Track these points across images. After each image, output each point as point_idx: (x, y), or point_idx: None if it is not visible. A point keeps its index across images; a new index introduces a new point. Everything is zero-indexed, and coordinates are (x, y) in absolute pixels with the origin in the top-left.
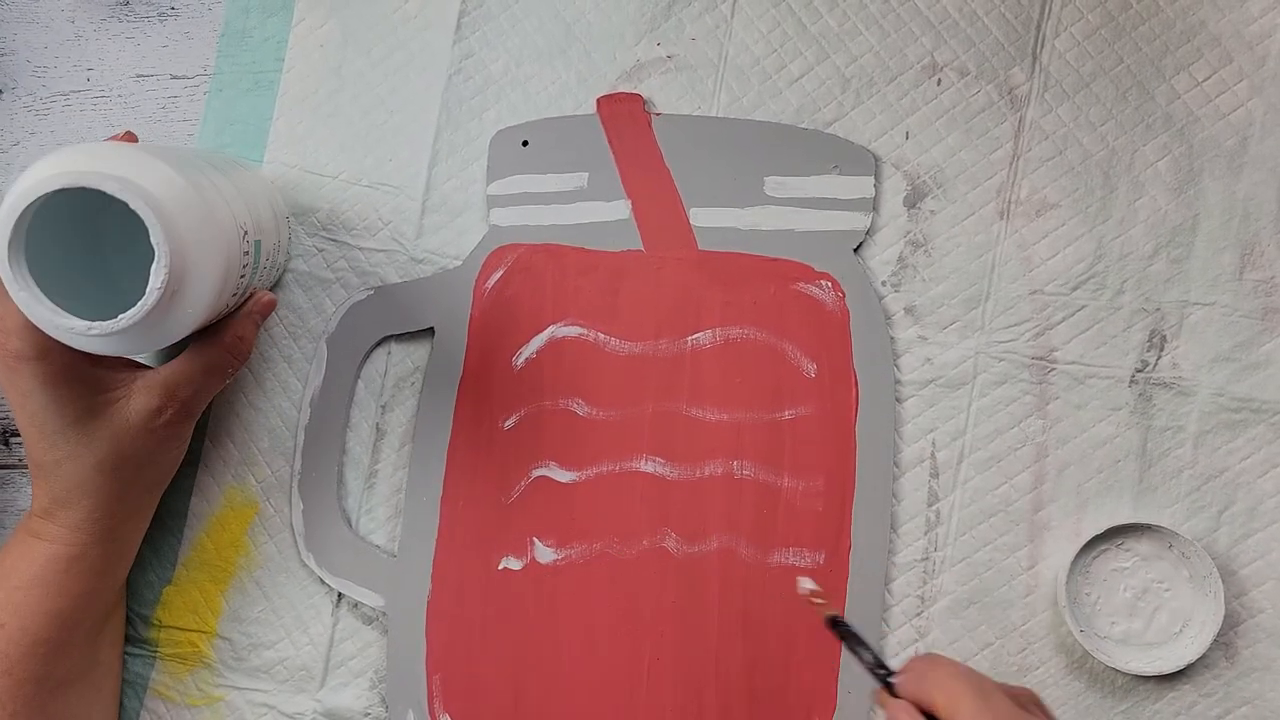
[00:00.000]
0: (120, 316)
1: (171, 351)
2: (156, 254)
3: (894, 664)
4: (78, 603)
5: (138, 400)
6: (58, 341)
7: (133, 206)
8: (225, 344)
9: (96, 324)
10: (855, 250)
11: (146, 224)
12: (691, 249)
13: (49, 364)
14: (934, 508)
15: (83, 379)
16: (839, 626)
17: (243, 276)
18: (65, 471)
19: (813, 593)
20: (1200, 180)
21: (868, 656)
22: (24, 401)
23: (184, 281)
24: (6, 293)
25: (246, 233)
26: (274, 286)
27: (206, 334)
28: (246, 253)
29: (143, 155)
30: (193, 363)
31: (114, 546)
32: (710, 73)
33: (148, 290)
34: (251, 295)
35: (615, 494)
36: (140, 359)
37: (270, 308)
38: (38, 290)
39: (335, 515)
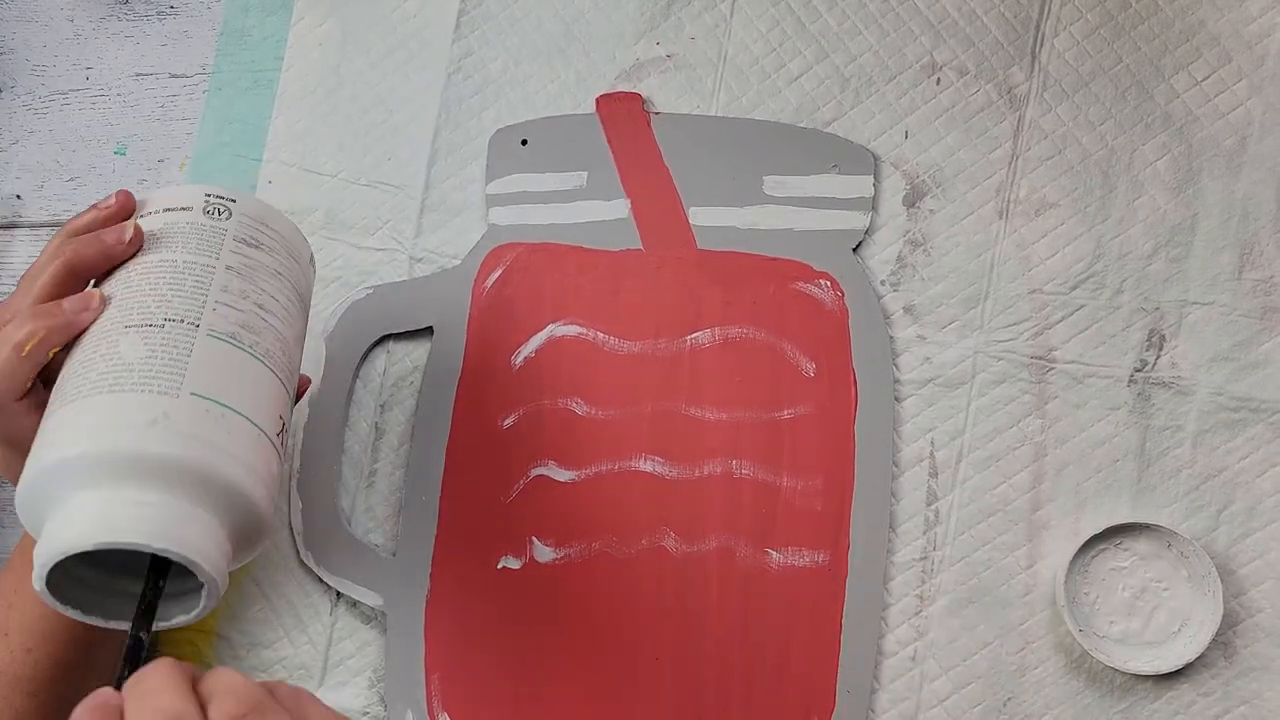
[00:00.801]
0: (177, 619)
1: None
2: (206, 591)
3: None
4: (104, 630)
5: None
6: None
7: (203, 581)
8: None
9: (160, 623)
10: (854, 249)
11: (205, 589)
12: (691, 248)
13: None
14: (933, 507)
15: None
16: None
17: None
18: None
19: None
20: (1199, 180)
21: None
22: None
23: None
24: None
25: (284, 428)
26: None
27: None
28: (282, 439)
29: (225, 492)
30: None
31: None
32: (709, 72)
33: (198, 611)
34: None
35: (614, 493)
36: None
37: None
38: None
39: (334, 514)
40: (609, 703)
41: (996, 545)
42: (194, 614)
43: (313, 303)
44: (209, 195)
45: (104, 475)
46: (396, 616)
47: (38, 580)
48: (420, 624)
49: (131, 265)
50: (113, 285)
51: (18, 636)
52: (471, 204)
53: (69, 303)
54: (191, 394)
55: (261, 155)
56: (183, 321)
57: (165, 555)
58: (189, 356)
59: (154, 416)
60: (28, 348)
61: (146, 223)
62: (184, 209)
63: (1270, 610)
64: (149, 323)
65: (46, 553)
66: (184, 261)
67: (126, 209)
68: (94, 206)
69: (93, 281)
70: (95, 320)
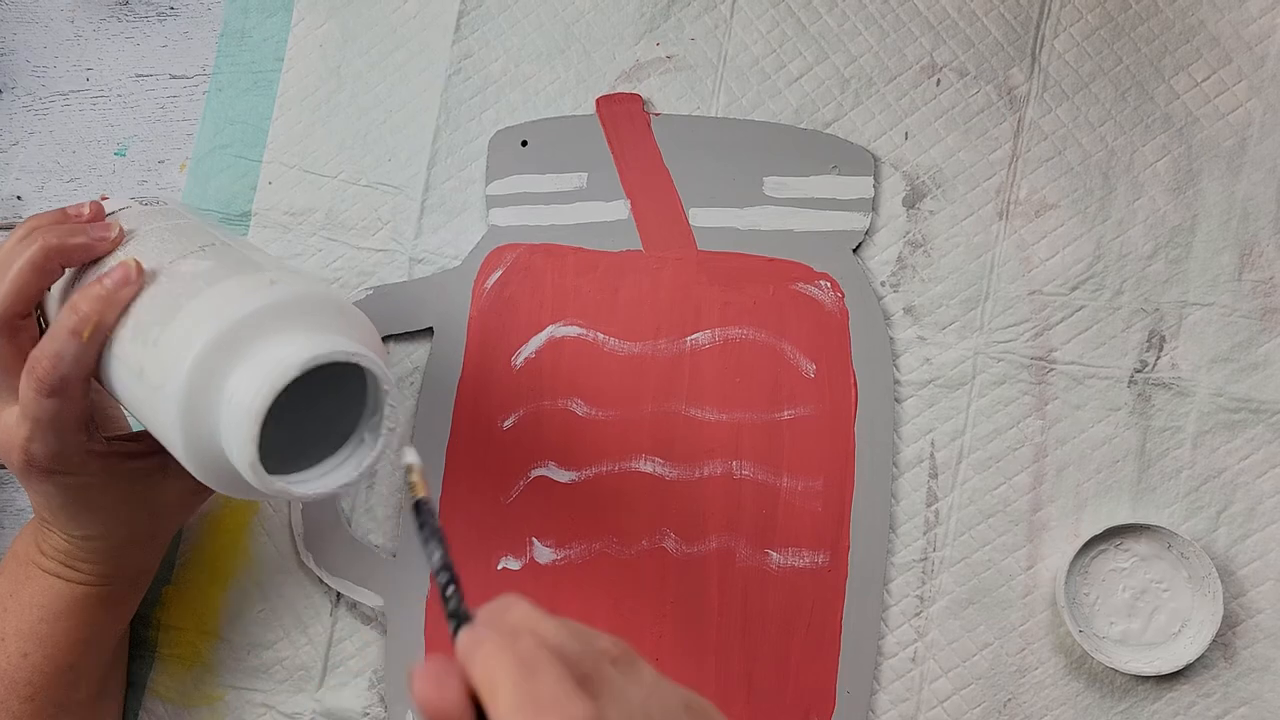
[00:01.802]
0: (352, 475)
1: None
2: (385, 424)
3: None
4: (102, 631)
5: (172, 484)
6: (86, 455)
7: (384, 386)
8: None
9: (328, 486)
10: (854, 250)
11: (384, 396)
12: (691, 249)
13: (78, 477)
14: (933, 508)
15: (116, 476)
16: (419, 511)
17: None
18: (92, 546)
19: (411, 469)
20: (1199, 181)
21: (441, 577)
22: (44, 501)
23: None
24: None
25: None
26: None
27: None
28: None
29: (355, 318)
30: None
31: (141, 579)
32: (709, 73)
33: (376, 452)
34: None
35: (614, 494)
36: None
37: None
38: (276, 481)
39: (334, 515)
40: None
41: (997, 546)
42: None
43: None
44: (134, 198)
45: (261, 330)
46: (397, 617)
47: (265, 400)
48: (420, 624)
49: (119, 251)
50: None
51: (14, 642)
52: (472, 205)
53: (110, 280)
54: (267, 269)
55: (262, 156)
56: (213, 244)
57: (363, 363)
58: (240, 253)
59: (268, 279)
60: (87, 333)
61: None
62: (123, 208)
63: (1270, 611)
64: (189, 253)
65: (270, 381)
66: (170, 225)
67: (99, 217)
68: (62, 211)
69: (67, 271)
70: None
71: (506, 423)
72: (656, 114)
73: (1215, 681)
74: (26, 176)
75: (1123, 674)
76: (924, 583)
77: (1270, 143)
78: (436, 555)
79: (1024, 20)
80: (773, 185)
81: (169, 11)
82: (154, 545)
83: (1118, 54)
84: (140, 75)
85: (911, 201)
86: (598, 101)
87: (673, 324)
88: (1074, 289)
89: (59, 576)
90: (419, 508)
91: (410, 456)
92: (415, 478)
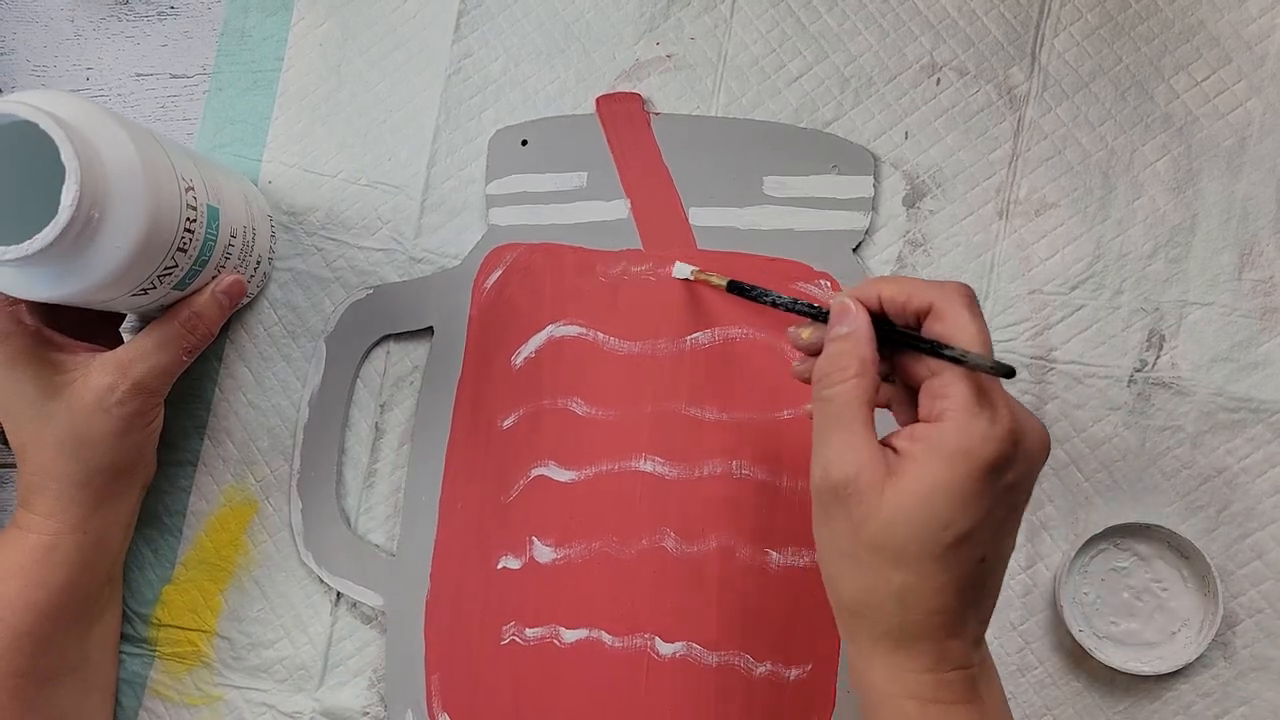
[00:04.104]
0: (35, 237)
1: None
2: (67, 170)
3: None
4: (54, 596)
5: (93, 379)
6: (16, 325)
7: (40, 125)
8: (180, 319)
9: (9, 248)
10: (854, 250)
11: (55, 141)
12: (690, 248)
13: (7, 347)
14: None
15: (41, 361)
16: (740, 288)
17: (189, 231)
18: (31, 455)
19: (696, 274)
20: (1199, 180)
21: (787, 300)
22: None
23: (106, 210)
24: None
25: (191, 188)
26: (264, 287)
27: (164, 312)
28: (193, 208)
29: (75, 99)
30: (146, 339)
31: (87, 537)
32: (709, 72)
33: (60, 208)
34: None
35: (614, 493)
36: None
37: (236, 289)
38: None
39: (334, 514)
40: (609, 703)
41: None
42: (63, 216)
43: (312, 302)
44: None
45: None
46: (396, 616)
47: None
48: (420, 624)
49: None
50: None
51: None
52: (471, 204)
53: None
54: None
55: (262, 155)
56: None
57: (40, 123)
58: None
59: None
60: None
61: None
62: None
63: (1270, 611)
64: None
65: None
66: None
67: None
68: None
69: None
70: None
71: (506, 422)
72: (656, 113)
73: (1215, 681)
74: None
75: (1123, 673)
76: None
77: (1270, 142)
78: (787, 299)
79: (1024, 19)
80: (773, 184)
81: (169, 11)
82: (84, 474)
83: (1117, 53)
84: (140, 75)
85: (911, 201)
86: (597, 101)
87: (673, 323)
88: (1074, 288)
89: (18, 525)
90: (734, 287)
91: (684, 270)
92: (704, 276)
